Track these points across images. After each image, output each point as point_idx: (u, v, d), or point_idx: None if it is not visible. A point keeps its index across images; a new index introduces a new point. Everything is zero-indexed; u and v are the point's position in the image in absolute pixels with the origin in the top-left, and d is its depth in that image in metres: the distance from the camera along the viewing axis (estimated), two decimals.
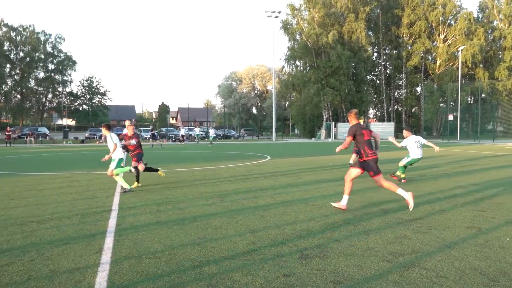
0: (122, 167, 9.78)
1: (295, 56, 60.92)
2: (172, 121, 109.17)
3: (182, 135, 44.11)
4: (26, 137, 44.12)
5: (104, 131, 9.51)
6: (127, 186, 9.43)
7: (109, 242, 5.28)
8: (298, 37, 61.01)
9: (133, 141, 10.19)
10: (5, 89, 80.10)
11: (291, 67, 63.37)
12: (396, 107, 67.10)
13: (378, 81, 67.01)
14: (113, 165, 9.43)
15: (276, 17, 50.15)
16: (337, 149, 7.38)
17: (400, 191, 7.10)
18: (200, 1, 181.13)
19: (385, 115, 64.01)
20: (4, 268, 4.33)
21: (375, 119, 70.58)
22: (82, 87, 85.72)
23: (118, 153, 9.44)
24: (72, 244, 5.22)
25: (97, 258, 4.64)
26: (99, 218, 6.71)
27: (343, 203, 7.24)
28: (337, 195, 8.71)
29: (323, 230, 5.85)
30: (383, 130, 56.85)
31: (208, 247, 5.05)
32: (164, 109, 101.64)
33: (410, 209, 7.07)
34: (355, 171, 7.18)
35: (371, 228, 5.96)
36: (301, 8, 60.66)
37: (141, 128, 61.32)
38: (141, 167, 10.31)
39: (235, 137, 61.14)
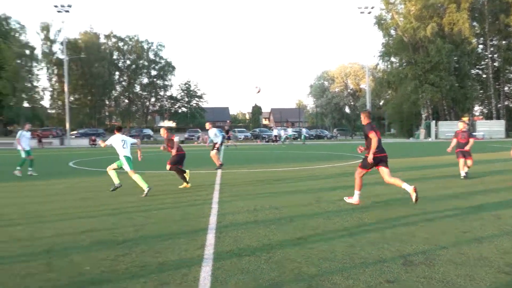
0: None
1: (390, 52, 58.48)
2: (265, 122, 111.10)
3: (275, 136, 44.65)
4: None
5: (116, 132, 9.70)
6: (116, 182, 9.36)
7: (210, 238, 5.50)
8: (393, 32, 58.50)
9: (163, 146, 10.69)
10: (115, 94, 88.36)
11: (386, 64, 61.02)
12: (506, 103, 61.07)
13: (484, 75, 61.52)
14: (117, 163, 9.47)
15: (369, 12, 48.71)
16: (370, 156, 7.43)
17: (355, 195, 7.59)
18: (290, 1, 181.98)
19: (494, 112, 58.56)
20: (120, 258, 4.72)
21: (481, 116, 64.95)
22: (181, 91, 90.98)
23: (123, 152, 9.36)
24: (177, 238, 5.53)
25: (200, 253, 4.85)
26: (200, 215, 7.04)
27: (413, 196, 7.18)
28: (442, 199, 8.16)
29: (427, 236, 5.49)
30: (490, 128, 52.12)
31: (306, 248, 5.02)
32: (257, 110, 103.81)
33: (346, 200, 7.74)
34: (383, 170, 7.51)
35: (484, 236, 5.46)
36: (396, 1, 58.02)
37: (236, 129, 63.31)
38: (168, 167, 10.42)
39: (327, 137, 60.38)
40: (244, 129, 66.81)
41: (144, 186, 9.03)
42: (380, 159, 7.41)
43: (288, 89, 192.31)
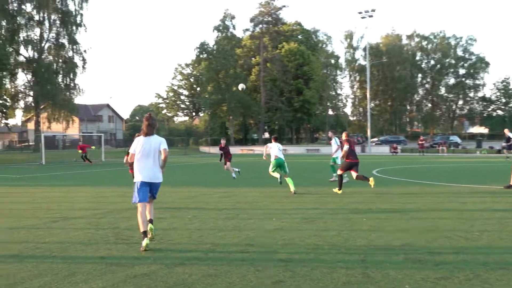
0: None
1: None
2: None
3: None
4: (438, 146, 46.35)
5: (273, 141, 12.74)
6: (292, 189, 11.91)
7: None
8: None
9: (345, 147, 11.80)
10: (417, 98, 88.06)
11: None
12: None
13: None
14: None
15: None
16: None
17: None
18: None
19: None
20: (442, 281, 4.52)
21: None
22: (496, 91, 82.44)
23: (279, 155, 12.34)
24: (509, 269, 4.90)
25: None
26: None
27: None
28: None
29: None
30: None
31: None
32: None
33: None
34: None
35: None
36: None
37: None
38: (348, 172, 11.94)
39: None
40: None
41: (292, 188, 11.93)
42: None
43: None
